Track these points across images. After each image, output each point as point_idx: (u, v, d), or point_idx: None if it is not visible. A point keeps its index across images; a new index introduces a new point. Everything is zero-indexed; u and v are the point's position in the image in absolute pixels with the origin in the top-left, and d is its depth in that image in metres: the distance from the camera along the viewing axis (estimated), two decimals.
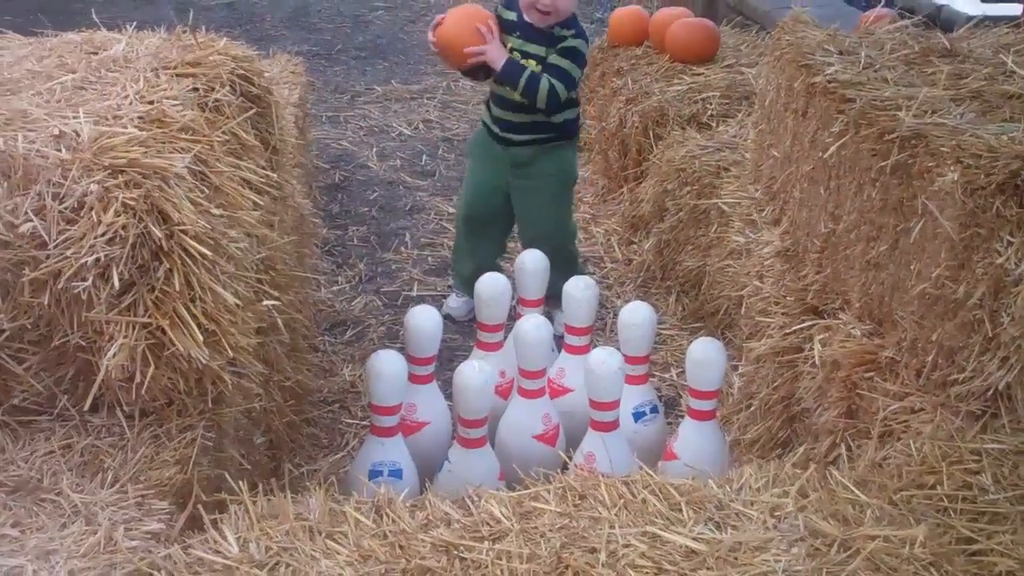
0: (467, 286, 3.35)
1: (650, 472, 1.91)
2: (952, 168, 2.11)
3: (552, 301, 3.01)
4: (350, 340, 3.34)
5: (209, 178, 2.04)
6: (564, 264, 3.21)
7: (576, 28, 3.22)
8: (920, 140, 2.23)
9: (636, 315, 2.55)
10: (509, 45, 3.18)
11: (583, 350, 2.67)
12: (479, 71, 3.24)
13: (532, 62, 3.16)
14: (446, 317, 3.18)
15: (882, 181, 2.34)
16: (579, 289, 2.66)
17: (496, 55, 3.13)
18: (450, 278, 3.63)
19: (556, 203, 3.38)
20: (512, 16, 3.22)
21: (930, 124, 2.28)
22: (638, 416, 2.58)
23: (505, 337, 2.76)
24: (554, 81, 3.13)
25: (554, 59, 3.16)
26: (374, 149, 4.73)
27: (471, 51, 3.13)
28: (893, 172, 2.29)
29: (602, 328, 3.36)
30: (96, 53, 2.28)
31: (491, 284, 2.67)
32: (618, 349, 2.45)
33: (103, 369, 1.83)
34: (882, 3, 4.19)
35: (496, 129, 3.31)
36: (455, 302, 3.51)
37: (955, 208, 2.09)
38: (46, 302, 1.81)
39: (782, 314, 2.72)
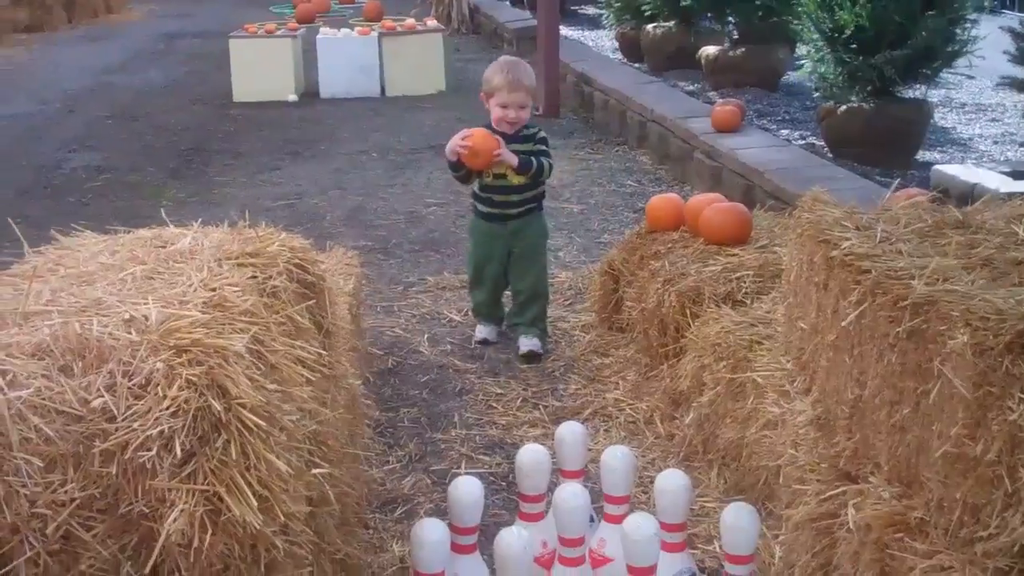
0: (487, 316, 4.86)
1: None
2: (962, 331, 2.23)
3: (533, 330, 4.70)
4: (399, 517, 3.44)
5: (265, 357, 2.21)
6: (542, 299, 4.82)
7: (535, 126, 4.77)
8: (932, 306, 2.36)
9: (670, 482, 2.64)
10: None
11: (623, 519, 2.75)
12: (473, 175, 4.68)
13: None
14: (482, 342, 4.77)
15: (899, 346, 2.46)
16: (616, 458, 2.76)
17: (511, 155, 4.57)
18: (480, 322, 4.88)
19: (543, 256, 4.91)
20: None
21: (941, 291, 2.41)
22: None
23: (546, 509, 2.85)
24: (546, 160, 4.66)
25: (537, 148, 4.66)
26: (425, 335, 4.92)
27: (498, 152, 4.52)
28: (909, 337, 2.41)
29: (645, 503, 3.43)
30: (164, 247, 2.51)
31: (531, 456, 2.78)
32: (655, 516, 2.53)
33: (163, 534, 1.96)
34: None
35: (497, 211, 4.71)
36: (482, 331, 4.84)
37: (967, 369, 2.20)
38: (114, 472, 1.96)
39: (817, 481, 2.80)
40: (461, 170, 4.65)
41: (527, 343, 4.66)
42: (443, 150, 4.84)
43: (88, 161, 8.34)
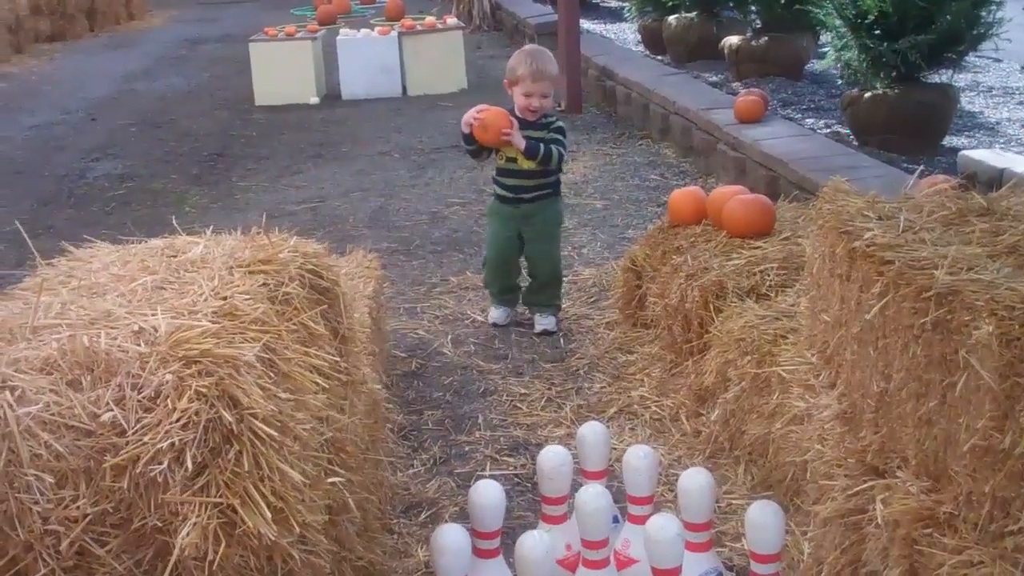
0: (500, 301, 4.99)
1: None
2: (987, 321, 2.18)
3: (549, 309, 4.90)
4: (424, 522, 3.41)
5: (277, 365, 2.19)
6: (556, 281, 4.99)
7: (555, 115, 4.95)
8: (956, 296, 2.31)
9: (693, 481, 2.60)
10: None
11: (647, 520, 2.71)
12: (483, 152, 4.85)
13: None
14: (492, 325, 4.92)
15: (924, 338, 2.40)
16: (638, 458, 2.73)
17: (520, 139, 4.68)
18: (491, 303, 5.05)
19: (555, 241, 5.00)
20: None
21: (965, 280, 2.36)
22: None
23: (569, 510, 2.82)
24: (556, 148, 4.73)
25: (550, 136, 4.76)
26: (449, 336, 4.89)
27: (506, 131, 4.64)
28: (934, 329, 2.36)
29: (672, 502, 3.39)
30: (176, 256, 2.49)
31: (551, 458, 2.75)
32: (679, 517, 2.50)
33: (177, 548, 1.94)
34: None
35: (510, 195, 4.84)
36: (495, 313, 4.98)
37: (994, 359, 2.15)
38: (125, 486, 1.94)
39: (844, 476, 2.75)
40: (473, 144, 4.80)
41: (542, 322, 4.89)
42: (465, 149, 4.89)
43: (111, 169, 8.37)
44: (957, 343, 2.29)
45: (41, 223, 6.76)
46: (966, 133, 7.44)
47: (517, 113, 4.77)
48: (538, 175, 4.80)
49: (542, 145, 4.71)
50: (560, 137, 4.78)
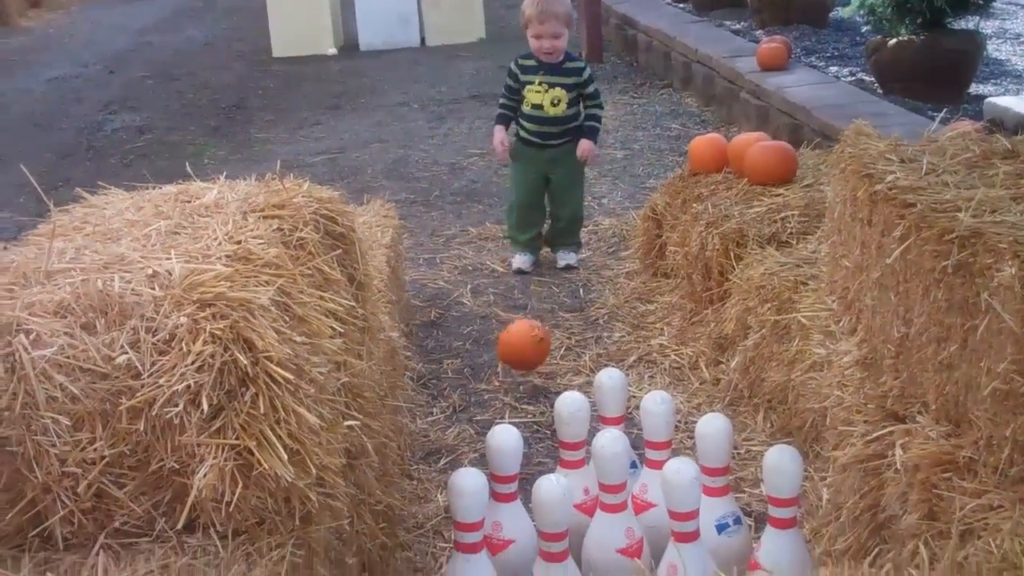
0: (526, 247, 4.97)
1: None
2: (1010, 263, 2.15)
3: (572, 246, 5.02)
4: (443, 468, 3.42)
5: (292, 309, 2.18)
6: (579, 221, 5.04)
7: (582, 62, 4.99)
8: (978, 238, 2.28)
9: (710, 425, 2.59)
10: (538, 80, 4.79)
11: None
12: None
13: (560, 91, 4.79)
14: (517, 272, 4.91)
15: (946, 282, 2.37)
16: (656, 403, 2.71)
17: (591, 146, 4.87)
18: (512, 248, 5.06)
19: (581, 183, 5.05)
20: (532, 62, 4.84)
21: (989, 223, 2.32)
22: (721, 528, 2.60)
23: (587, 456, 2.81)
24: (598, 111, 4.95)
25: (590, 89, 4.86)
26: (468, 287, 4.88)
27: (586, 155, 4.86)
28: (956, 272, 2.33)
29: (691, 450, 3.38)
30: (190, 201, 2.48)
31: (570, 403, 2.74)
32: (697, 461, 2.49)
33: (194, 489, 1.95)
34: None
35: (537, 140, 4.86)
36: (519, 259, 4.95)
37: (1016, 302, 2.12)
38: (142, 428, 1.94)
39: (864, 422, 2.73)
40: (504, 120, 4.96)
41: (565, 257, 4.98)
42: (484, 99, 4.91)
43: (129, 122, 8.37)
44: (979, 286, 2.26)
45: (60, 175, 6.76)
46: (992, 81, 7.32)
47: (534, 55, 4.79)
48: (566, 120, 4.83)
49: (594, 123, 4.90)
50: (598, 104, 4.93)
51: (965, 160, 2.76)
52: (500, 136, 4.85)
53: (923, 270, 2.47)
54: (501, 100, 4.96)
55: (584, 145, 4.81)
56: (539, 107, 4.80)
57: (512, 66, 4.90)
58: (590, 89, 4.86)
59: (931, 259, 2.41)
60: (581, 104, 4.89)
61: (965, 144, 2.87)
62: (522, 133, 4.90)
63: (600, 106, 4.96)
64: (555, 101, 4.80)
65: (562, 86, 4.80)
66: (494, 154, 5.07)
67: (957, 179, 2.63)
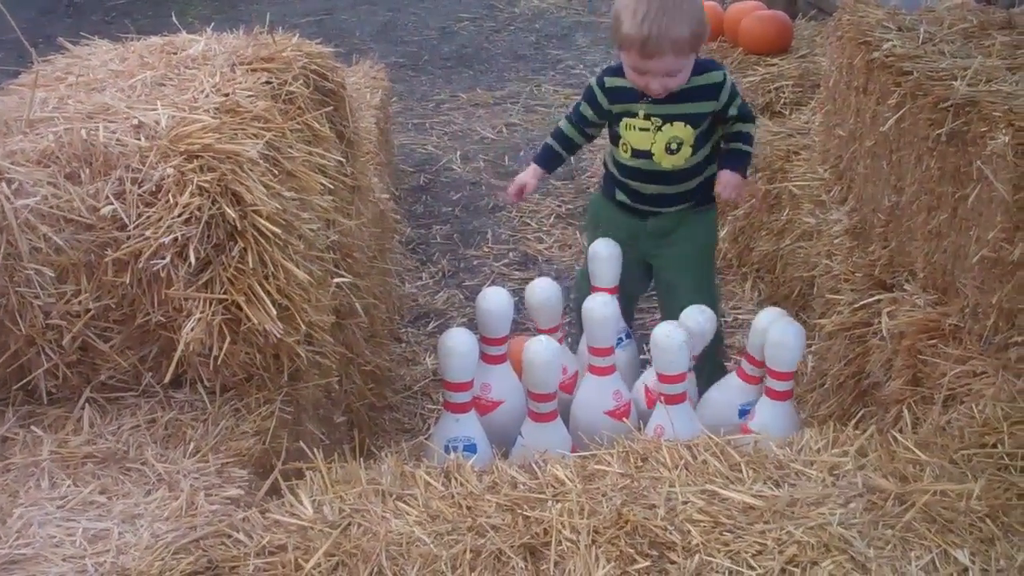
0: None
1: (712, 436, 1.95)
2: (1004, 131, 2.13)
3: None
4: (432, 331, 3.44)
5: (281, 163, 2.15)
6: (717, 339, 2.78)
7: (705, 63, 2.75)
8: (973, 107, 2.25)
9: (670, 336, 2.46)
10: (642, 113, 2.73)
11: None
12: (584, 138, 2.97)
13: (683, 127, 2.72)
14: None
15: (939, 150, 2.36)
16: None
17: (737, 181, 2.75)
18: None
19: (709, 272, 2.98)
20: (631, 84, 2.72)
21: (984, 91, 2.30)
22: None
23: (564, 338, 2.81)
24: (750, 129, 2.80)
25: (732, 111, 2.75)
26: (458, 152, 4.83)
27: (732, 196, 2.77)
28: (949, 140, 2.31)
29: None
30: (176, 53, 2.42)
31: (540, 292, 2.69)
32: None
33: (181, 343, 1.94)
34: None
35: (640, 205, 2.85)
36: None
37: (1008, 171, 2.11)
38: (128, 281, 1.93)
39: (851, 291, 2.74)
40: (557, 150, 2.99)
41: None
42: None
43: None
44: (972, 155, 2.24)
45: (39, 32, 6.62)
46: None
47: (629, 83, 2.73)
48: (688, 175, 2.80)
49: (742, 158, 2.78)
50: (748, 125, 2.79)
51: (962, 30, 2.73)
52: (523, 182, 2.99)
53: (917, 138, 2.45)
54: (561, 124, 2.96)
55: (727, 179, 2.75)
56: (645, 154, 2.77)
57: (594, 85, 2.83)
58: (733, 111, 2.76)
59: (925, 127, 2.39)
60: (713, 137, 2.82)
61: (962, 14, 2.84)
62: (618, 195, 2.90)
63: (746, 119, 2.80)
64: (673, 145, 2.74)
65: (686, 119, 2.73)
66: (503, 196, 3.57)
67: (954, 48, 2.60)
